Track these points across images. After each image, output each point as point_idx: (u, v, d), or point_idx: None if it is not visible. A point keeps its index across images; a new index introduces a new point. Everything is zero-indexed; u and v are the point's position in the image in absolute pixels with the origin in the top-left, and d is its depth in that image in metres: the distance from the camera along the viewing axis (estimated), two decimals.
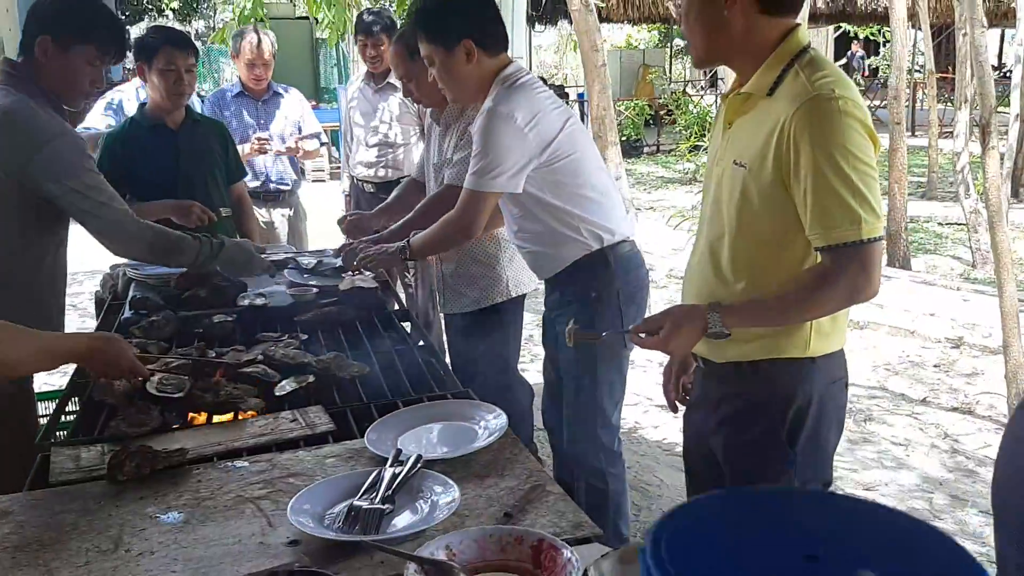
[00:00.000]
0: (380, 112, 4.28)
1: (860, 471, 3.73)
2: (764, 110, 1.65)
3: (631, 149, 14.33)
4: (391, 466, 1.55)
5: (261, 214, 4.30)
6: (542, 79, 11.84)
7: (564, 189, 2.54)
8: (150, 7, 19.07)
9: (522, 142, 2.45)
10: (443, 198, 2.94)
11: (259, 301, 2.65)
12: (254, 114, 4.31)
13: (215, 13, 20.92)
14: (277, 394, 2.02)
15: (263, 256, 2.74)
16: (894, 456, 3.88)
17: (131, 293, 2.82)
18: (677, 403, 2.13)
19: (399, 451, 1.62)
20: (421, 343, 2.50)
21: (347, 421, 1.88)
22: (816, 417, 1.75)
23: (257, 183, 4.27)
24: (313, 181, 9.60)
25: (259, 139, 4.09)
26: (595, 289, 2.55)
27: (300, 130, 4.39)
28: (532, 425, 3.37)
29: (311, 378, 2.07)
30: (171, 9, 19.32)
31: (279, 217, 4.40)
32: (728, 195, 1.72)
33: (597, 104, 5.08)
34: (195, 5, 20.14)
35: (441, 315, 3.50)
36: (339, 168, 7.38)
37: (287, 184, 4.38)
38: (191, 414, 1.97)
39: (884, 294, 5.89)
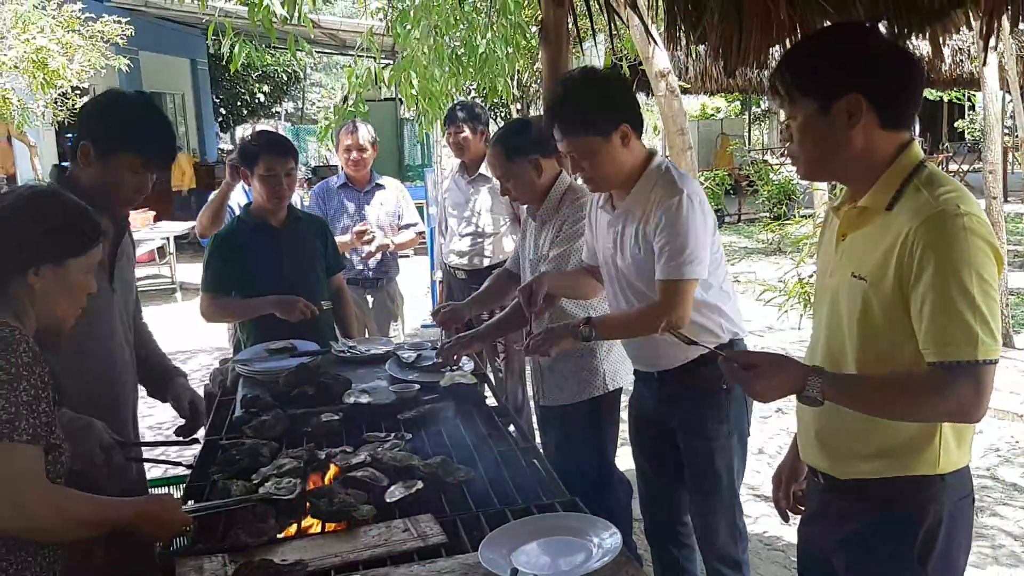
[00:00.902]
0: (472, 203, 4.39)
1: (975, 569, 3.54)
2: (883, 224, 1.65)
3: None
4: None
5: (360, 302, 4.42)
6: None
7: (713, 283, 2.57)
8: (243, 92, 19.98)
9: (706, 229, 2.49)
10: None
11: (364, 399, 2.71)
12: (356, 204, 4.46)
13: (303, 94, 21.86)
14: (388, 500, 2.05)
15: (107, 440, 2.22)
16: (1011, 551, 3.68)
17: (240, 390, 2.92)
18: (789, 512, 2.08)
19: (515, 570, 1.62)
20: (522, 443, 2.51)
21: (457, 531, 1.89)
22: (947, 536, 1.69)
23: (359, 269, 4.41)
24: (400, 256, 9.83)
25: (359, 232, 4.23)
26: (726, 382, 2.53)
27: (399, 218, 4.54)
28: (631, 523, 3.32)
29: (420, 484, 2.09)
30: (262, 93, 20.22)
31: (377, 304, 4.51)
32: (848, 308, 1.70)
33: None
34: (285, 89, 21.06)
35: (532, 403, 3.51)
36: (424, 244, 7.60)
37: (387, 272, 4.51)
38: (305, 521, 2.01)
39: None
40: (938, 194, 1.59)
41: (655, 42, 3.99)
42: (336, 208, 4.45)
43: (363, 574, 1.73)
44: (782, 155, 17.47)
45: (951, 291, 1.53)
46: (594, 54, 10.42)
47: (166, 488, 3.05)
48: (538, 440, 3.34)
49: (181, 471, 2.71)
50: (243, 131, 5.31)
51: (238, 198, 4.23)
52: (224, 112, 20.84)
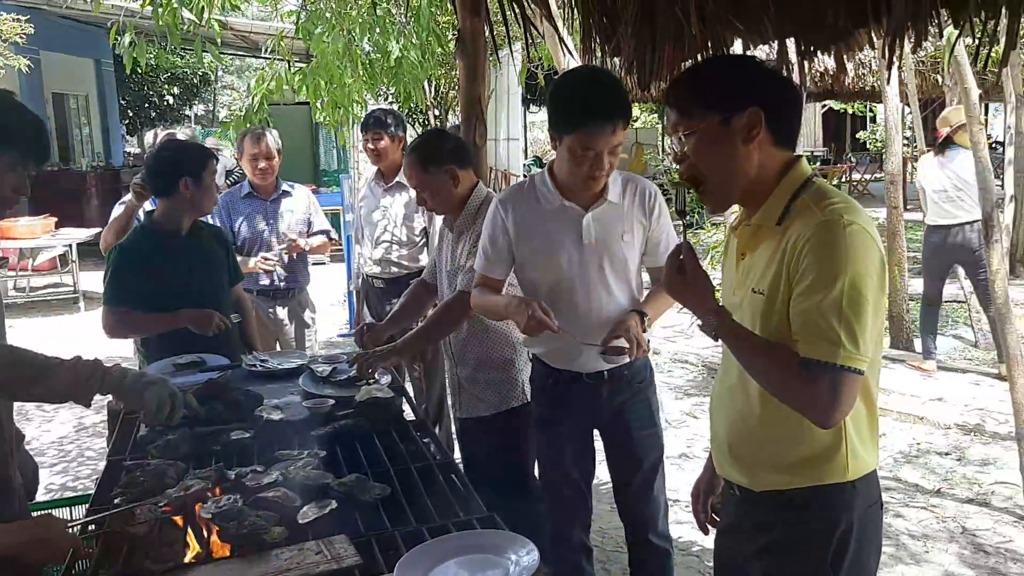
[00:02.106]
0: (389, 210, 4.33)
1: (880, 570, 3.66)
2: (775, 239, 1.69)
3: None
4: None
5: (271, 313, 4.33)
6: (537, 158, 12.09)
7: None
8: (151, 94, 19.39)
9: None
10: (456, 305, 2.96)
11: (276, 415, 2.63)
12: (263, 214, 4.35)
13: (215, 97, 21.34)
14: (300, 521, 1.99)
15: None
16: (912, 552, 3.82)
17: None
18: (708, 525, 2.11)
19: None
20: (440, 458, 2.47)
21: (372, 552, 1.85)
22: (858, 542, 1.74)
23: (267, 281, 4.31)
24: (313, 264, 9.66)
25: (265, 259, 4.14)
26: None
27: (310, 225, 4.45)
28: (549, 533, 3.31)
29: (334, 503, 2.04)
30: (171, 95, 19.64)
31: (288, 315, 4.42)
32: (751, 323, 1.74)
33: None
34: (196, 91, 20.51)
35: (451, 413, 3.48)
36: (340, 250, 7.47)
37: (297, 282, 4.41)
38: (215, 543, 1.94)
39: (890, 379, 5.93)
40: (824, 205, 1.64)
41: (571, 54, 4.01)
42: (243, 218, 4.34)
43: None
44: None
45: (824, 294, 1.58)
46: (511, 62, 10.47)
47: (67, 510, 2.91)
48: (458, 454, 3.33)
49: (78, 492, 2.58)
50: (151, 137, 5.08)
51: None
52: (131, 115, 20.18)
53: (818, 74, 15.00)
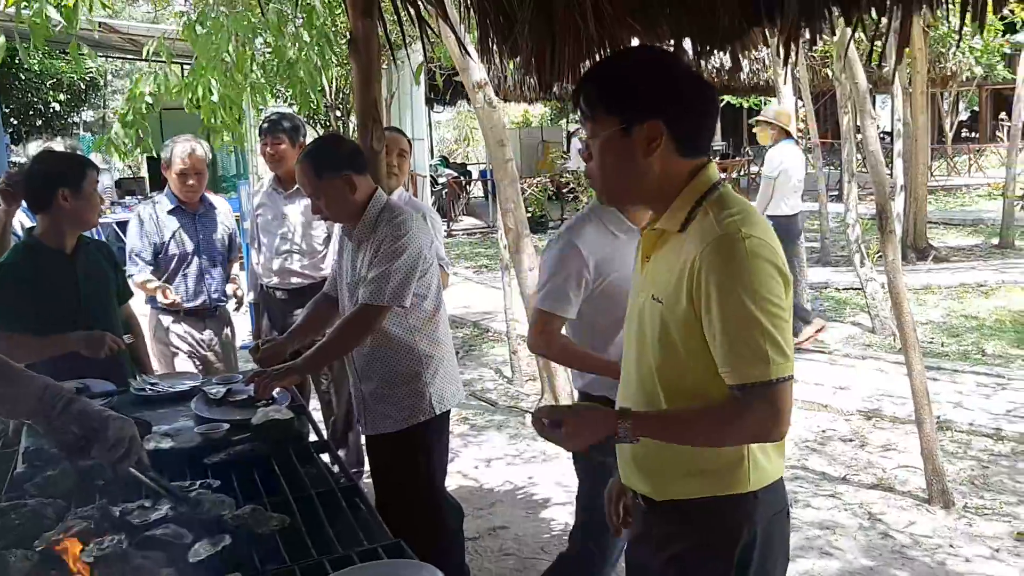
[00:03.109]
0: (289, 218, 4.17)
1: (792, 561, 3.71)
2: (676, 246, 1.66)
3: (537, 225, 14.49)
4: None
5: (195, 334, 4.11)
6: (444, 157, 12.01)
7: None
8: (36, 101, 18.46)
9: None
10: (359, 319, 2.85)
11: (165, 443, 2.47)
12: (192, 231, 4.15)
13: (104, 103, 20.50)
14: (191, 560, 1.86)
15: None
16: (824, 542, 3.87)
17: (24, 441, 2.60)
18: (621, 527, 2.07)
19: None
20: (344, 481, 2.36)
21: None
22: (763, 552, 1.73)
23: (197, 302, 4.10)
24: None
25: (173, 302, 3.99)
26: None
27: (231, 241, 4.26)
28: (463, 546, 3.24)
29: (227, 539, 1.92)
30: (57, 101, 18.74)
31: (215, 336, 4.19)
32: (650, 330, 1.71)
33: (507, 198, 5.10)
34: (84, 97, 19.62)
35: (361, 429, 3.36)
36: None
37: (224, 300, 4.21)
38: None
39: (797, 369, 6.06)
40: (722, 217, 1.60)
41: (468, 55, 3.93)
42: (171, 238, 4.10)
43: None
44: None
45: (737, 314, 1.55)
46: (409, 64, 10.34)
47: None
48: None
49: None
50: (35, 147, 4.79)
51: (20, 219, 3.83)
52: (15, 123, 19.16)
53: (714, 70, 15.50)
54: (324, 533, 2.01)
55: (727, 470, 1.69)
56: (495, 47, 3.13)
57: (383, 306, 2.80)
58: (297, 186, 4.19)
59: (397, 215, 2.91)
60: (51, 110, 19.11)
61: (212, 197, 4.33)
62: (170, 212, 4.14)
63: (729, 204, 1.63)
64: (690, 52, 2.58)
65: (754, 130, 6.75)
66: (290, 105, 7.21)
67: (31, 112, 18.71)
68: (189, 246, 4.12)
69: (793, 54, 2.21)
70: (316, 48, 4.72)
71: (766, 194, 6.61)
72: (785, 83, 6.96)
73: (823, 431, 5.18)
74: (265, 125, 4.23)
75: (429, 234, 3.02)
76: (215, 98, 4.51)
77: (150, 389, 2.99)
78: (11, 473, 2.39)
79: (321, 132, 12.08)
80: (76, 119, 20.27)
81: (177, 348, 4.12)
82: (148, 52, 4.95)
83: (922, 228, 10.60)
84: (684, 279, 1.61)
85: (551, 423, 1.68)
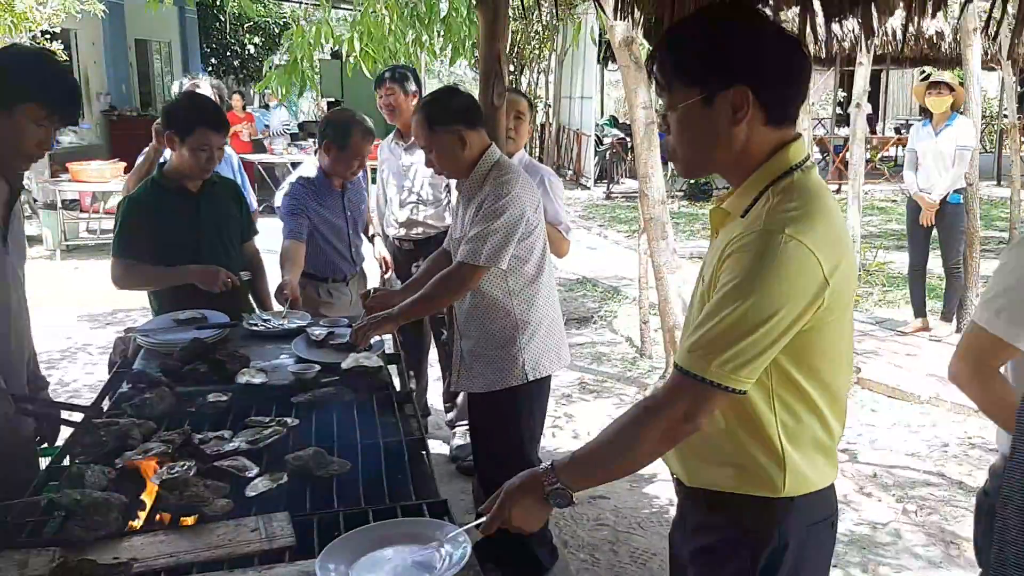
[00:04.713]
0: (410, 170, 4.21)
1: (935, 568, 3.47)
2: (734, 230, 1.54)
3: (700, 193, 14.11)
4: None
5: (325, 292, 3.95)
6: (613, 117, 11.76)
7: None
8: (233, 43, 19.63)
9: None
10: (455, 275, 2.85)
11: (257, 379, 2.58)
12: (338, 210, 3.88)
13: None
14: (248, 494, 1.93)
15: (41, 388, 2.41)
16: (939, 552, 3.59)
17: (137, 362, 2.79)
18: None
19: None
20: (416, 433, 2.38)
21: (311, 533, 1.78)
22: (795, 561, 1.61)
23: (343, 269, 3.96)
24: None
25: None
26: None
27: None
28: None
29: (284, 478, 1.98)
30: (252, 44, 19.86)
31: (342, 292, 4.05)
32: (696, 309, 1.61)
33: (644, 162, 4.94)
34: (277, 40, 20.69)
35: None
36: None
37: (362, 259, 4.13)
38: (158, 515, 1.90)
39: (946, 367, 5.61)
40: (778, 208, 1.47)
41: (604, 12, 3.80)
42: (316, 212, 3.81)
43: None
44: None
45: (730, 312, 1.43)
46: (586, 20, 10.19)
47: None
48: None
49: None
50: (179, 86, 4.98)
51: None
52: (214, 62, 20.47)
53: (912, 38, 14.34)
54: (379, 483, 2.03)
55: (761, 469, 1.57)
56: (631, 4, 3.00)
57: (478, 266, 2.79)
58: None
59: (504, 174, 2.87)
60: (246, 52, 20.29)
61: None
62: (318, 189, 3.83)
63: (794, 195, 1.49)
64: (820, 14, 2.38)
65: (925, 97, 6.10)
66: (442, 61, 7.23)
67: (228, 53, 19.95)
68: (338, 223, 3.90)
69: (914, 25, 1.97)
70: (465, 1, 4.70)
71: (964, 166, 6.05)
72: (974, 63, 6.31)
73: (969, 437, 4.77)
74: (380, 77, 4.24)
75: (536, 197, 2.97)
76: (358, 50, 4.59)
77: (261, 325, 3.12)
78: (116, 392, 2.57)
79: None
80: (268, 62, 21.45)
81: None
82: None
83: None
84: (716, 262, 1.51)
85: (490, 513, 1.62)
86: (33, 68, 2.22)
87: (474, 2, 3.51)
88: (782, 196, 1.49)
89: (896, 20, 2.44)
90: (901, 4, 2.21)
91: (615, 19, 3.76)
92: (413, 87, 4.22)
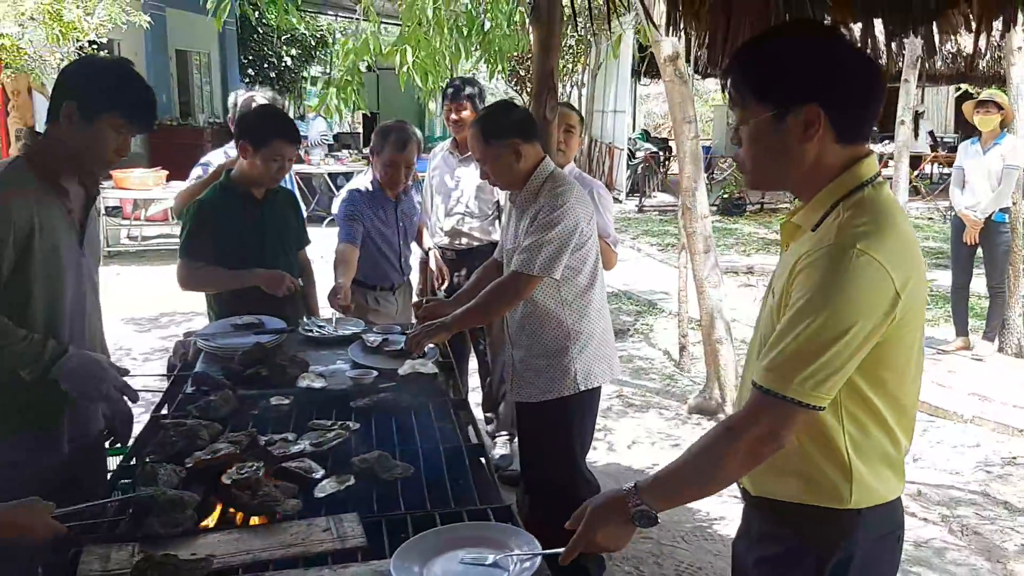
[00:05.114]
0: (462, 181, 4.26)
1: None
2: (804, 243, 1.56)
3: (733, 208, 14.06)
4: None
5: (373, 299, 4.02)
6: (645, 131, 11.76)
7: None
8: (270, 54, 19.88)
9: None
10: (509, 285, 2.89)
11: (317, 383, 2.63)
12: (391, 220, 3.95)
13: (330, 60, 21.70)
14: (316, 495, 1.98)
15: (123, 374, 2.41)
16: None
17: (198, 365, 2.85)
18: None
19: None
20: (474, 440, 2.42)
21: (380, 534, 1.82)
22: (861, 573, 1.61)
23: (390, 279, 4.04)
24: None
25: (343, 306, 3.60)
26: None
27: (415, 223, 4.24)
28: None
29: (351, 480, 2.02)
30: (289, 56, 20.09)
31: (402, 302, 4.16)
32: (765, 321, 1.63)
33: (688, 176, 4.96)
34: (313, 53, 20.90)
35: None
36: None
37: (410, 268, 4.20)
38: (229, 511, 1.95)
39: (995, 386, 5.56)
40: (849, 224, 1.49)
41: (655, 26, 3.84)
42: (369, 221, 3.90)
43: (271, 575, 1.66)
44: None
45: (804, 328, 1.45)
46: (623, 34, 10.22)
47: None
48: None
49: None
50: (235, 98, 5.00)
51: (216, 160, 4.15)
52: (251, 74, 20.71)
53: (950, 56, 14.25)
54: (442, 487, 2.07)
55: (827, 481, 1.59)
56: (681, 19, 3.04)
57: (533, 275, 2.82)
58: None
59: (559, 186, 2.91)
60: (283, 64, 20.51)
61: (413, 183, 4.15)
62: (372, 198, 3.93)
63: (865, 211, 1.51)
64: (880, 35, 2.39)
65: (974, 114, 6.06)
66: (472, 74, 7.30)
67: (265, 65, 20.16)
68: (389, 233, 3.96)
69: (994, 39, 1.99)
70: (505, 15, 4.76)
71: (1011, 185, 6.01)
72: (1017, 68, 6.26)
73: (1014, 457, 4.72)
74: (450, 91, 4.28)
75: (589, 208, 3.00)
76: (411, 62, 4.66)
77: (316, 331, 3.18)
78: (181, 394, 2.63)
79: (527, 100, 12.23)
80: (305, 74, 21.65)
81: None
82: (362, 11, 5.17)
83: None
84: (787, 277, 1.53)
85: (575, 534, 1.62)
86: (114, 78, 2.30)
87: (514, 18, 3.54)
88: (853, 211, 1.51)
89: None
90: (963, 24, 2.22)
91: (665, 35, 3.81)
92: (481, 101, 4.24)
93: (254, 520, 1.92)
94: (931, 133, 17.89)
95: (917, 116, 18.19)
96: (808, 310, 1.45)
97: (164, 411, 2.56)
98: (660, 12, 3.71)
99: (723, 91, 1.66)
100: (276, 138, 3.24)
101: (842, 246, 1.45)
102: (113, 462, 2.62)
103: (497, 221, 4.25)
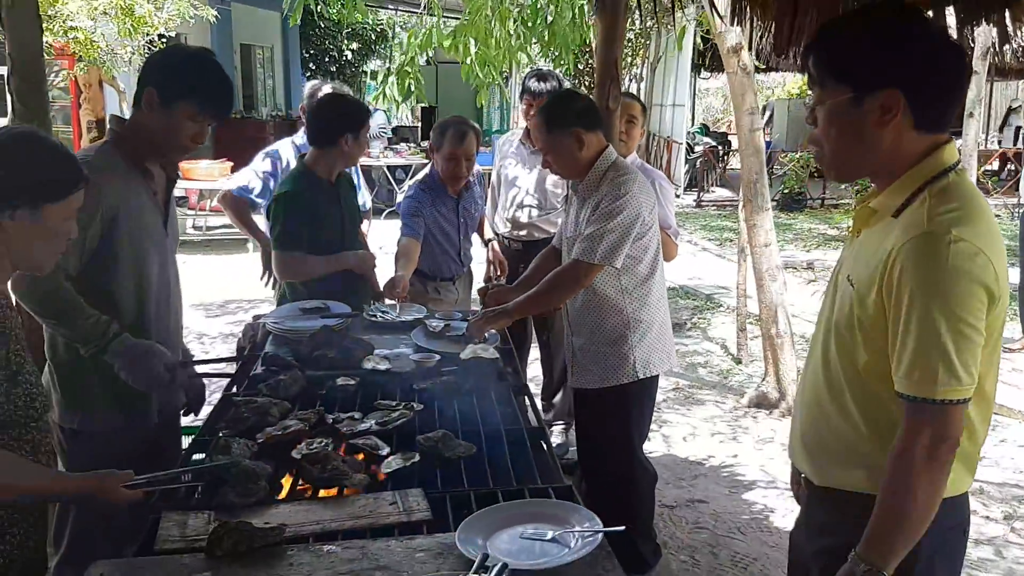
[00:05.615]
0: (531, 172, 4.28)
1: None
2: (885, 231, 1.55)
3: (793, 203, 13.85)
4: (475, 572, 1.52)
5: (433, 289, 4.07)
6: (704, 126, 11.64)
7: None
8: (331, 48, 20.15)
9: None
10: (569, 273, 2.92)
11: (382, 365, 2.70)
12: (451, 216, 3.98)
13: (389, 54, 21.91)
14: (383, 471, 2.04)
15: (171, 360, 2.47)
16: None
17: (267, 347, 2.94)
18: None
19: (486, 555, 1.59)
20: (534, 423, 2.46)
21: (445, 509, 1.87)
22: (925, 568, 1.59)
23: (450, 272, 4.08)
24: None
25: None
26: None
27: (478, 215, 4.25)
28: (652, 510, 3.26)
29: (416, 457, 2.08)
30: (350, 50, 20.35)
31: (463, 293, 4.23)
32: (837, 310, 1.63)
33: (749, 169, 4.93)
34: (373, 47, 21.12)
35: None
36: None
37: (470, 259, 4.25)
38: (299, 485, 2.02)
39: None
40: (938, 210, 1.47)
41: (719, 16, 3.82)
42: (430, 216, 3.93)
43: (340, 544, 1.72)
44: None
45: (921, 326, 1.45)
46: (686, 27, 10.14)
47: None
48: None
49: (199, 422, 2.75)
50: (311, 89, 5.07)
51: (287, 153, 4.25)
52: (313, 67, 21.02)
53: (1020, 49, 13.80)
54: (504, 466, 2.11)
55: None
56: (747, 9, 3.03)
57: (594, 264, 2.85)
58: None
59: (621, 175, 2.93)
60: (344, 57, 20.79)
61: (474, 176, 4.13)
62: (434, 194, 3.94)
63: (952, 197, 1.49)
64: (952, 21, 2.36)
65: None
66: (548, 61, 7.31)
67: (326, 59, 20.45)
68: (450, 228, 3.99)
69: None
70: (571, 7, 4.77)
71: None
72: None
73: None
74: (531, 85, 4.23)
75: (651, 198, 3.01)
76: (473, 53, 4.69)
77: (381, 316, 3.25)
78: (251, 373, 2.72)
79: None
80: (365, 67, 21.90)
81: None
82: (424, 5, 5.22)
83: None
84: (880, 270, 1.51)
85: None
86: (195, 68, 2.39)
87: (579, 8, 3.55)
88: (940, 197, 1.49)
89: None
90: None
91: (730, 25, 3.79)
92: None
93: (323, 493, 1.99)
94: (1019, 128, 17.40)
95: (1010, 111, 17.75)
96: (919, 305, 1.45)
97: (234, 390, 2.65)
98: (725, 2, 3.67)
99: (802, 71, 1.65)
100: (369, 118, 3.45)
101: (936, 233, 1.44)
102: (185, 442, 2.74)
103: (562, 215, 4.26)
